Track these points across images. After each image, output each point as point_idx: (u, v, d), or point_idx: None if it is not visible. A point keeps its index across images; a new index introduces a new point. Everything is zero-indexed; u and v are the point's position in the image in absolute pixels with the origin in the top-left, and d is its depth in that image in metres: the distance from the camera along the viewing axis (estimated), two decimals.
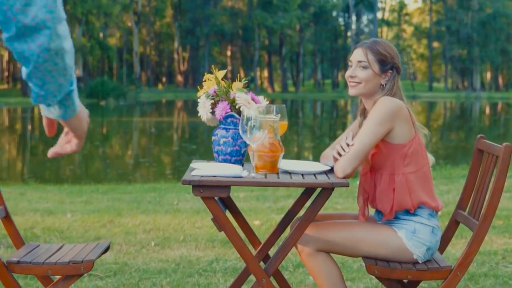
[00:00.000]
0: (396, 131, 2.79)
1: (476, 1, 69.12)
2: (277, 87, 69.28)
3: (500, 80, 76.42)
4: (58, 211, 6.37)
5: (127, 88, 49.57)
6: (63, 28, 1.44)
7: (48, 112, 1.56)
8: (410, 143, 2.81)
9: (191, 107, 37.72)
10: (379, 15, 74.18)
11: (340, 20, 73.97)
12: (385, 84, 2.87)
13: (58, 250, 3.04)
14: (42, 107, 1.56)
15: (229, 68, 66.23)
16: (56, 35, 1.42)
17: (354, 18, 70.90)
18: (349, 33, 70.64)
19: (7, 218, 3.07)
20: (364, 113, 2.99)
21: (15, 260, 2.83)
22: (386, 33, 78.09)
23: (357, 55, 2.87)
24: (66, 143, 1.65)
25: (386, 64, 2.86)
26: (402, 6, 77.29)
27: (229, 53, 68.04)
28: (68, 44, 1.47)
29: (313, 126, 26.83)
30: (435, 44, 74.47)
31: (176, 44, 62.84)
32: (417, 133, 2.86)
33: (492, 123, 29.34)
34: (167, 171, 12.73)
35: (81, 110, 1.61)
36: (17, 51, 1.43)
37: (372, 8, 69.24)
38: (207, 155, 12.70)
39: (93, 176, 10.98)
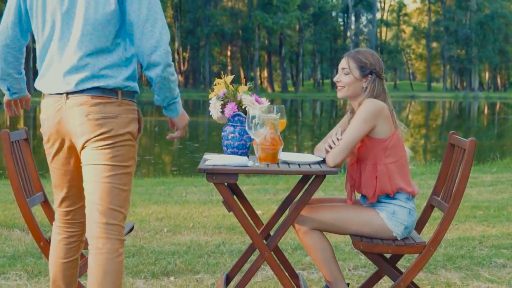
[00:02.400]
0: (378, 128, 3.31)
1: (474, 1, 69.58)
2: (276, 87, 69.70)
3: (499, 80, 76.91)
4: None
5: None
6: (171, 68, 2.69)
7: (166, 112, 2.80)
8: (390, 138, 3.33)
9: (192, 107, 38.08)
10: (378, 15, 74.67)
11: (340, 20, 74.47)
12: (366, 87, 3.39)
13: None
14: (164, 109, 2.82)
15: (229, 68, 66.66)
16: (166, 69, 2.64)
17: (353, 18, 71.40)
18: (348, 33, 71.11)
19: (46, 203, 3.60)
20: (353, 112, 3.52)
21: None
22: (385, 33, 78.54)
23: (342, 63, 3.43)
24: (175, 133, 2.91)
25: (365, 69, 3.38)
26: (401, 6, 77.75)
27: (229, 53, 68.54)
28: (173, 76, 2.67)
29: (313, 125, 27.29)
30: (434, 44, 74.94)
31: (176, 44, 63.28)
32: (397, 130, 3.38)
33: (490, 123, 29.76)
34: (172, 167, 13.18)
35: (183, 113, 2.85)
36: (147, 76, 2.64)
37: (371, 8, 69.77)
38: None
39: None
